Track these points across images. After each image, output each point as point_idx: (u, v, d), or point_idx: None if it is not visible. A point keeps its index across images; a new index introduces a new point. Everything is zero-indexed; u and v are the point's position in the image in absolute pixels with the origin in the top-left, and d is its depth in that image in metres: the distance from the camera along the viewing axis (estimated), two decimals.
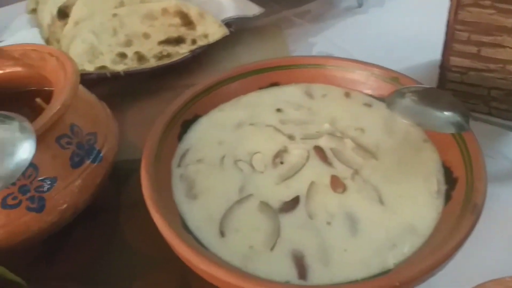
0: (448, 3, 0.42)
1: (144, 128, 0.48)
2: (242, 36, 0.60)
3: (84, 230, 0.38)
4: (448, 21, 0.43)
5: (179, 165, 0.37)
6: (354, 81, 0.43)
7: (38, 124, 0.30)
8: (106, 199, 0.40)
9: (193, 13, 0.55)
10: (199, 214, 0.33)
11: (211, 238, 0.31)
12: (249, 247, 0.30)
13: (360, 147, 0.37)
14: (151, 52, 0.52)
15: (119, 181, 0.42)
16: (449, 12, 0.42)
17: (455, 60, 0.44)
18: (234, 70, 0.44)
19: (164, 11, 0.55)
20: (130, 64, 0.51)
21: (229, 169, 0.36)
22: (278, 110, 0.42)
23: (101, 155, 0.35)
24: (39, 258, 0.36)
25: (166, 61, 0.51)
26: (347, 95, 0.43)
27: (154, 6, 0.55)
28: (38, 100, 0.41)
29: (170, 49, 0.53)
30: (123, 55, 0.51)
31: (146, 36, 0.54)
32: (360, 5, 0.66)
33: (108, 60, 0.50)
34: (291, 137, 0.38)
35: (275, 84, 0.44)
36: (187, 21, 0.55)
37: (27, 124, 0.30)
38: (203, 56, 0.56)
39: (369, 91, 0.42)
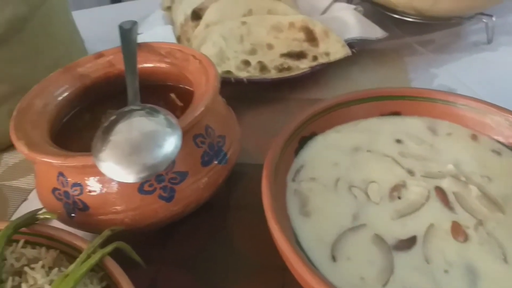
0: None
1: (255, 134, 0.50)
2: (359, 57, 0.60)
3: (193, 223, 0.40)
4: None
5: (293, 180, 0.38)
6: (484, 124, 0.41)
7: (183, 122, 0.32)
8: (217, 197, 0.42)
9: (318, 30, 0.56)
10: (311, 234, 0.33)
11: (322, 260, 0.31)
12: (360, 278, 0.30)
13: (486, 197, 0.35)
14: (273, 63, 0.54)
15: (230, 182, 0.44)
16: None
17: None
18: (356, 93, 0.44)
19: (291, 25, 0.57)
20: (253, 73, 0.53)
21: (343, 193, 0.36)
22: (398, 141, 0.41)
23: (226, 157, 0.37)
24: (154, 243, 0.39)
25: (286, 74, 0.53)
26: (474, 137, 0.41)
27: (282, 19, 0.57)
28: (172, 95, 0.44)
29: (291, 62, 0.54)
30: (247, 63, 0.54)
31: (269, 47, 0.56)
32: (489, 41, 0.63)
33: (233, 65, 0.53)
34: (410, 172, 0.38)
35: (396, 113, 0.44)
36: (311, 37, 0.56)
37: (174, 120, 0.32)
38: (318, 72, 0.57)
39: (499, 138, 0.40)
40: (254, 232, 0.39)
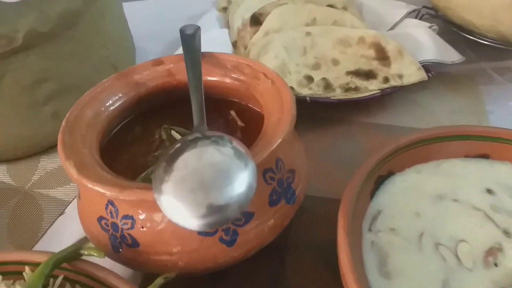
0: None
1: (315, 160, 0.45)
2: (430, 81, 0.54)
3: (248, 265, 0.35)
4: None
5: (370, 229, 0.33)
6: None
7: (258, 157, 0.28)
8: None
9: (391, 48, 0.50)
10: None
11: None
12: None
13: None
14: (338, 81, 0.49)
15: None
16: None
17: None
18: (437, 130, 0.39)
19: (361, 40, 0.51)
20: (315, 90, 0.48)
21: (428, 252, 0.31)
22: (489, 191, 0.35)
23: (295, 196, 0.32)
24: (203, 285, 0.34)
25: (353, 95, 0.47)
26: None
27: (350, 32, 0.52)
28: (233, 113, 0.40)
29: (358, 82, 0.49)
30: (309, 79, 0.49)
31: (335, 62, 0.51)
32: None
33: (294, 81, 0.48)
34: (507, 233, 0.32)
35: (484, 156, 0.38)
36: (382, 56, 0.50)
37: (248, 154, 0.28)
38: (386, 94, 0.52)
39: None
40: (316, 277, 0.35)
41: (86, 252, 0.27)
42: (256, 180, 0.27)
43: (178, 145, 0.28)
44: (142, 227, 0.28)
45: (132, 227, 0.29)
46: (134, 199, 0.26)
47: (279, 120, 0.31)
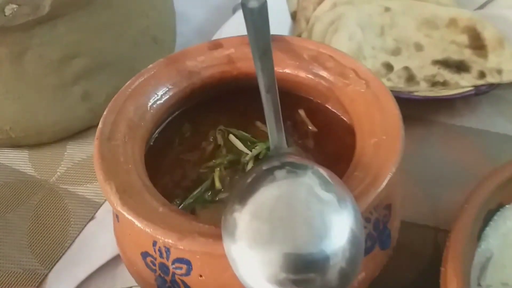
0: None
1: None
2: None
3: None
4: None
5: (479, 284, 0.26)
6: None
7: (363, 202, 0.20)
8: None
9: (489, 35, 0.41)
10: None
11: None
12: None
13: None
14: (422, 71, 0.41)
15: None
16: None
17: None
18: None
19: (452, 22, 0.42)
20: (396, 82, 0.40)
21: None
22: None
23: (390, 239, 0.25)
24: None
25: (441, 92, 0.39)
26: None
27: (440, 11, 0.43)
28: (301, 113, 0.32)
29: (447, 75, 0.40)
30: (389, 67, 0.40)
31: (418, 47, 0.42)
32: None
33: (370, 68, 0.40)
34: None
35: None
36: (478, 44, 0.41)
37: (345, 190, 0.20)
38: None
39: None
40: None
41: None
42: (364, 236, 0.20)
43: (253, 177, 0.21)
44: (201, 276, 0.22)
45: (187, 273, 0.22)
46: (198, 250, 0.20)
47: (382, 143, 0.23)
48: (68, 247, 0.32)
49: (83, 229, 0.33)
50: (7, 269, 0.31)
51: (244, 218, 0.19)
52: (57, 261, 0.31)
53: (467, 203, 0.27)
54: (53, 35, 0.32)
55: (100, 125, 0.25)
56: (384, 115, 0.25)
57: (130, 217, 0.21)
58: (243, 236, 0.19)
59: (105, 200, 0.35)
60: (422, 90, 0.39)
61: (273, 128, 0.24)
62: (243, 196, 0.20)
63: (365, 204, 0.20)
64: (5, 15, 0.30)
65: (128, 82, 0.28)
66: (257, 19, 0.28)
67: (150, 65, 0.29)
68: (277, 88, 0.26)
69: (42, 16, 0.31)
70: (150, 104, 0.28)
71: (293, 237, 0.19)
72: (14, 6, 0.30)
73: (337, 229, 0.19)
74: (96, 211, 0.34)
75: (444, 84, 0.40)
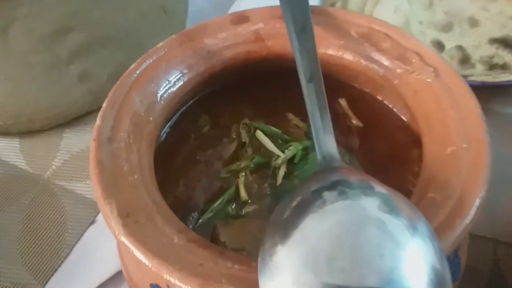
0: None
1: None
2: None
3: None
4: None
5: None
6: None
7: (447, 240, 0.15)
8: None
9: None
10: None
11: None
12: None
13: None
14: (478, 52, 0.35)
15: None
16: None
17: None
18: None
19: None
20: None
21: None
22: None
23: (460, 269, 0.20)
24: None
25: (500, 76, 0.33)
26: None
27: None
28: (343, 103, 0.27)
29: (506, 56, 0.34)
30: (439, 45, 0.34)
31: (473, 22, 0.36)
32: None
33: None
34: None
35: None
36: None
37: (425, 224, 0.15)
38: None
39: None
40: None
41: None
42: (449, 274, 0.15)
43: (297, 201, 0.16)
44: None
45: None
46: None
47: (462, 154, 0.18)
48: (66, 256, 0.27)
49: (82, 235, 0.28)
50: None
51: (289, 265, 0.14)
52: (52, 274, 0.27)
53: None
54: (42, 5, 0.26)
55: (98, 122, 0.20)
56: (462, 115, 0.19)
57: (136, 252, 0.16)
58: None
59: None
60: (478, 74, 0.34)
61: (319, 129, 0.19)
62: (286, 230, 0.15)
63: (451, 240, 0.15)
64: None
65: (132, 66, 0.22)
66: None
67: (160, 44, 0.23)
68: (321, 75, 0.20)
69: None
70: (160, 93, 0.22)
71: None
72: None
73: (417, 274, 0.15)
74: (98, 214, 0.29)
75: (504, 67, 0.34)
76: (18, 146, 0.33)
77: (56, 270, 0.27)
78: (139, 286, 0.20)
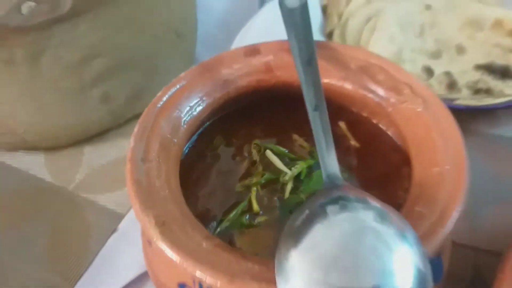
0: None
1: None
2: None
3: None
4: None
5: None
6: None
7: (430, 245, 0.18)
8: None
9: None
10: None
11: None
12: None
13: None
14: (464, 77, 0.38)
15: None
16: None
17: None
18: None
19: (497, 23, 0.39)
20: (437, 89, 0.37)
21: None
22: None
23: (442, 270, 0.23)
24: None
25: (484, 100, 0.37)
26: None
27: (485, 11, 0.40)
28: (342, 126, 0.30)
29: (490, 81, 0.38)
30: (429, 71, 0.38)
31: (460, 50, 0.39)
32: None
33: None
34: None
35: None
36: None
37: (413, 235, 0.18)
38: None
39: None
40: None
41: None
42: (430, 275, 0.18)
43: (307, 213, 0.19)
44: None
45: None
46: None
47: (446, 175, 0.21)
48: (91, 262, 0.30)
49: (105, 242, 0.31)
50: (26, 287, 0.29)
51: (302, 265, 0.17)
52: (79, 278, 0.29)
53: None
54: (73, 35, 0.30)
55: (132, 144, 0.23)
56: (446, 141, 0.22)
57: (172, 254, 0.19)
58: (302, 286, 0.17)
59: (129, 210, 0.33)
60: (464, 98, 0.37)
61: (323, 153, 0.22)
62: (298, 237, 0.18)
63: (433, 247, 0.18)
64: (21, 14, 0.27)
65: (159, 94, 0.25)
66: (299, 22, 0.25)
67: (182, 74, 0.26)
68: (325, 105, 0.23)
69: (62, 15, 0.28)
70: (183, 118, 0.25)
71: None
72: (32, 3, 0.27)
73: (404, 273, 0.18)
74: (119, 223, 0.32)
75: (488, 91, 0.37)
76: (43, 161, 0.36)
77: (82, 274, 0.30)
78: (166, 285, 0.23)
